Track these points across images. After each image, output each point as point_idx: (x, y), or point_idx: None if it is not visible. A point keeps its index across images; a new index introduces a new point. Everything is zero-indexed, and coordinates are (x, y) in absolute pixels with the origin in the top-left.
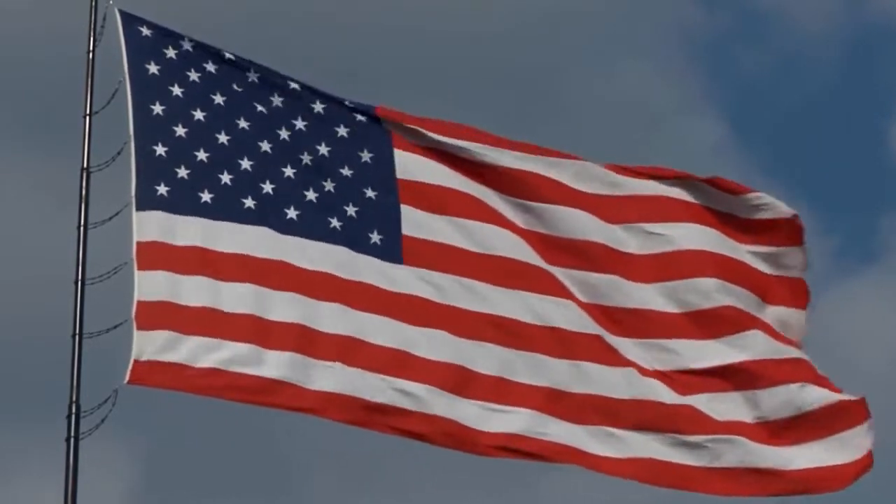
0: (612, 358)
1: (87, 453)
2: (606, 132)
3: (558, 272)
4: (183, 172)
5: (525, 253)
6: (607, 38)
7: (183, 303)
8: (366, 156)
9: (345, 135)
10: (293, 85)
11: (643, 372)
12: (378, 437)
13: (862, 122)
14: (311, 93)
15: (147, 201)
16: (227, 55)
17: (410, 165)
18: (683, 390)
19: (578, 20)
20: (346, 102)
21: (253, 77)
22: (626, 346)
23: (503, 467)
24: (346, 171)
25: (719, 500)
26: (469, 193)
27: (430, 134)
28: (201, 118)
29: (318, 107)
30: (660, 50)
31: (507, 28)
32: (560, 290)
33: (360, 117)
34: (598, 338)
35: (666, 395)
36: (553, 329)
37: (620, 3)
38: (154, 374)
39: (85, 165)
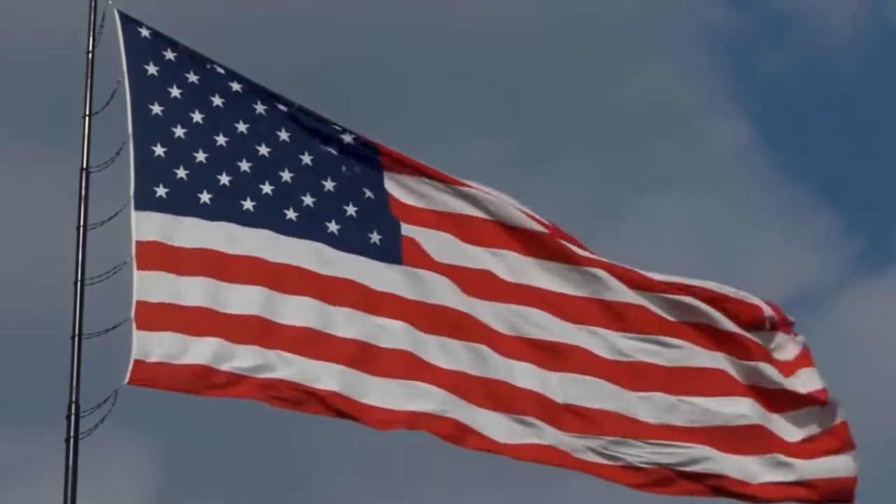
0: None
1: (103, 454)
2: (630, 132)
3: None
4: (182, 173)
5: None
6: (632, 38)
7: (182, 303)
8: (363, 160)
9: (342, 138)
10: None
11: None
12: (396, 437)
13: (886, 122)
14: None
15: (146, 201)
16: (222, 67)
17: (399, 188)
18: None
19: (603, 20)
20: (345, 137)
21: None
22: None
23: (520, 467)
24: (345, 170)
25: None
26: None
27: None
28: (200, 120)
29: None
30: (684, 50)
31: (532, 26)
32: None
33: (348, 139)
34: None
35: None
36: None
37: (645, 3)
38: (154, 374)
39: (84, 166)
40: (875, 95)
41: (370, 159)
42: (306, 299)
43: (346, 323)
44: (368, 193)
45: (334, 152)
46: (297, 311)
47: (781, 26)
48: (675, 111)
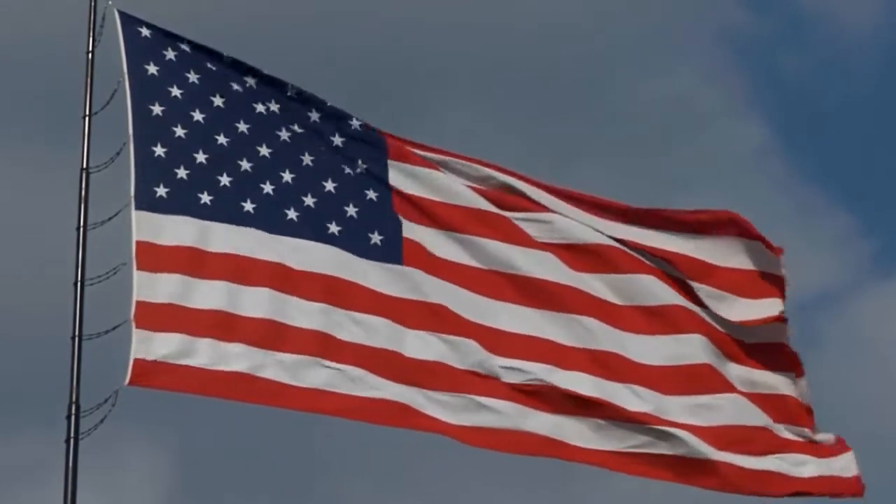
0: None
1: (115, 455)
2: (649, 133)
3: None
4: (182, 173)
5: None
6: (651, 39)
7: (181, 304)
8: (361, 167)
9: (339, 145)
10: (291, 91)
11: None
12: (408, 438)
13: None
14: (308, 100)
15: (146, 202)
16: (226, 57)
17: (403, 177)
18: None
19: (622, 21)
20: (352, 122)
21: (251, 80)
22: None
23: (533, 467)
24: (347, 170)
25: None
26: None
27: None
28: (200, 119)
29: (315, 115)
30: (703, 52)
31: (552, 27)
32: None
33: (355, 125)
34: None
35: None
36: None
37: (666, 4)
38: (154, 374)
39: (84, 166)
40: (893, 97)
41: (375, 150)
42: (313, 303)
43: (350, 325)
44: (370, 194)
45: (337, 148)
46: (304, 313)
47: (800, 28)
48: (694, 112)
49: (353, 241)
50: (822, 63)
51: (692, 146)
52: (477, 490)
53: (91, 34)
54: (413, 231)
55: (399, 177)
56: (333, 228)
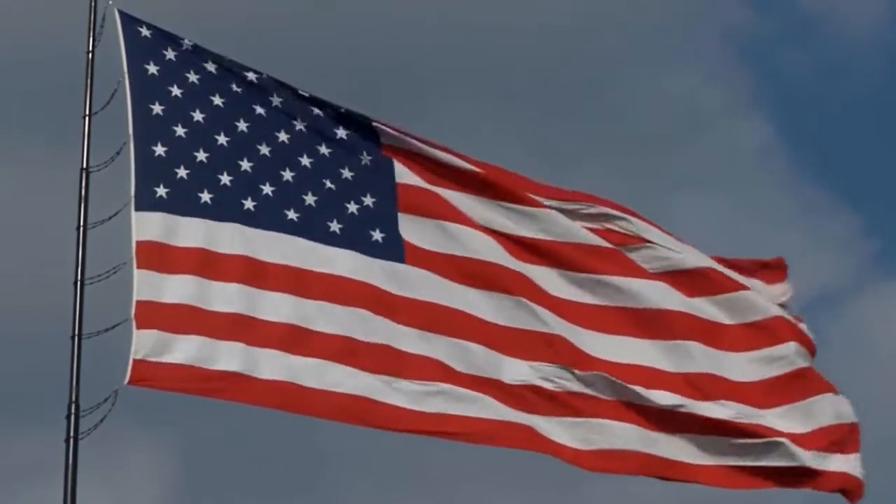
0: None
1: (120, 454)
2: (653, 133)
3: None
4: (182, 173)
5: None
6: (655, 39)
7: (182, 303)
8: (366, 158)
9: (344, 137)
10: (288, 91)
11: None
12: (414, 438)
13: None
14: (307, 100)
15: (146, 201)
16: (226, 58)
17: (406, 172)
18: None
19: (626, 21)
20: (342, 131)
21: (252, 79)
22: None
23: (533, 467)
24: (345, 174)
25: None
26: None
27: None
28: (200, 119)
29: (317, 111)
30: (707, 51)
31: (557, 26)
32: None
33: (353, 129)
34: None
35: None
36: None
37: (668, 4)
38: (154, 374)
39: (84, 165)
40: None
41: (372, 151)
42: (312, 302)
43: (352, 323)
44: (369, 193)
45: (336, 149)
46: (295, 309)
47: (804, 28)
48: (697, 112)
49: (353, 240)
50: (825, 62)
51: (694, 146)
52: (478, 490)
53: (91, 34)
54: (413, 228)
55: (409, 176)
56: (334, 227)
